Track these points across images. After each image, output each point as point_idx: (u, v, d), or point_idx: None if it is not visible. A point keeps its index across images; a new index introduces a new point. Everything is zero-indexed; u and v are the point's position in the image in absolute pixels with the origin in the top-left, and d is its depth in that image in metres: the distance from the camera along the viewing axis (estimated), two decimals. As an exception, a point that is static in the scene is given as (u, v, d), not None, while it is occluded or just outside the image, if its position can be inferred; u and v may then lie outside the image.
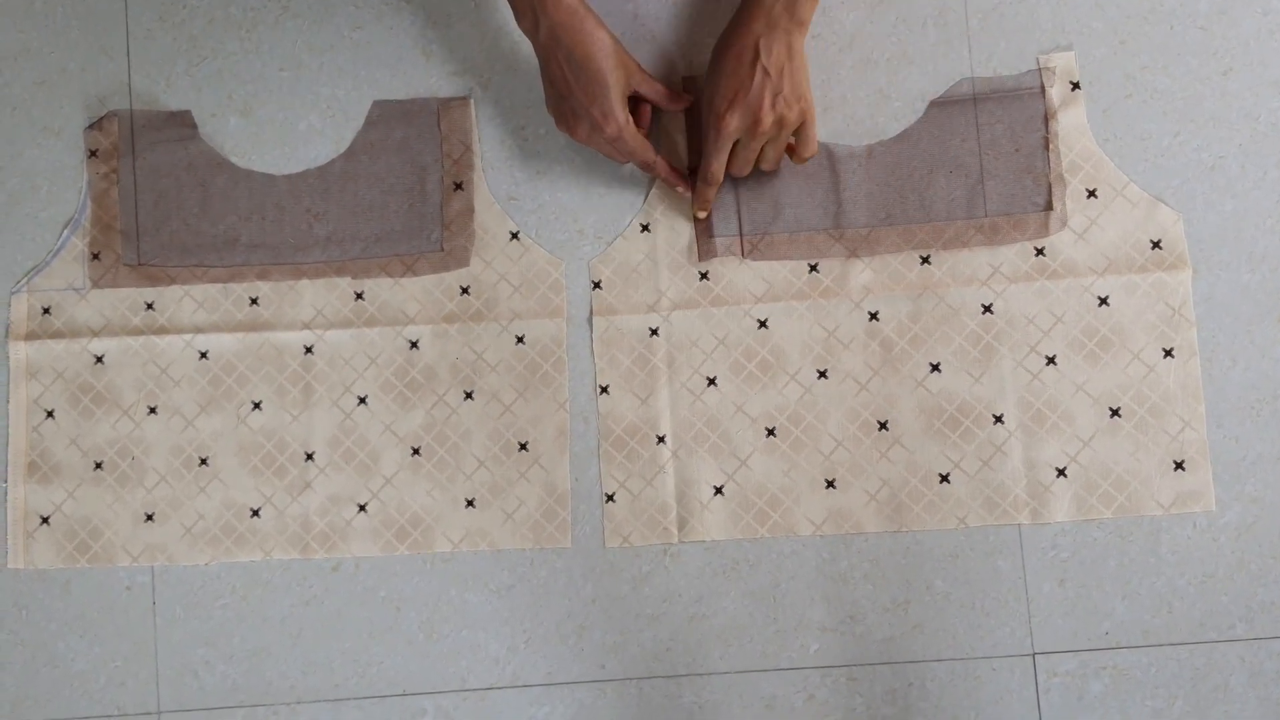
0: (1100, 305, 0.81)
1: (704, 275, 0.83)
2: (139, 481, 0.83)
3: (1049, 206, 0.82)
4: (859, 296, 0.82)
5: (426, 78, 0.87)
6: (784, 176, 0.83)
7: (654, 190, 0.84)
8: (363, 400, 0.83)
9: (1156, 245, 0.81)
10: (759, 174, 0.82)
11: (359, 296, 0.84)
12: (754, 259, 0.83)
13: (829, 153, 0.83)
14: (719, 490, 0.81)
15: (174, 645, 0.83)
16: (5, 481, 0.84)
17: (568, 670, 0.81)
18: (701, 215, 0.82)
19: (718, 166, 0.79)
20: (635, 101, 0.81)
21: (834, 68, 0.85)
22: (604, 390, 0.83)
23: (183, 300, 0.85)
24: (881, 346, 0.82)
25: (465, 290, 0.84)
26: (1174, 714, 0.79)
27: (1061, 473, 0.80)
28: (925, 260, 0.82)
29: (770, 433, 0.81)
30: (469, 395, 0.83)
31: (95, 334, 0.85)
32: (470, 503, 0.82)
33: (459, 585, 0.82)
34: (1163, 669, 0.79)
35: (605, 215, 0.85)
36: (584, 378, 0.83)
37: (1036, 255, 0.82)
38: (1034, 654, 0.79)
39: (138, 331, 0.85)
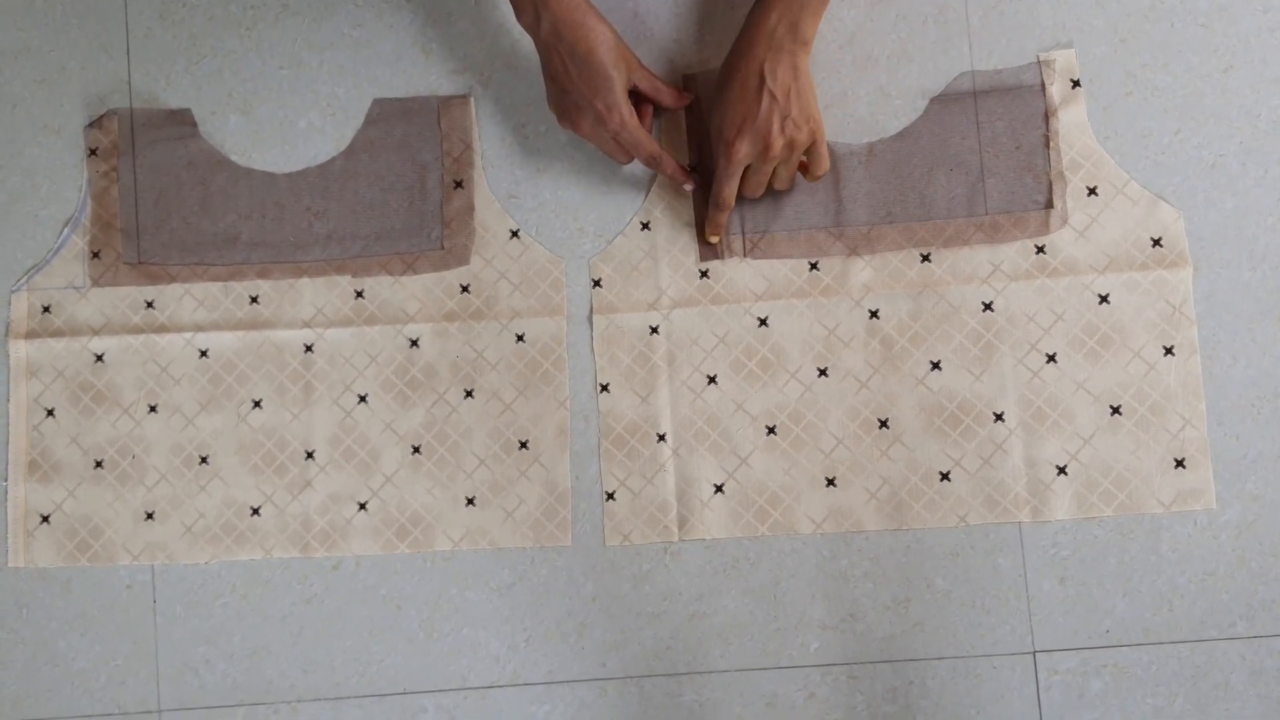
0: (1101, 303, 0.81)
1: (704, 273, 0.83)
2: (139, 480, 0.83)
3: (1049, 204, 0.82)
4: (859, 294, 0.82)
5: (427, 76, 0.87)
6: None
7: (654, 188, 0.84)
8: (363, 398, 0.83)
9: (1157, 243, 0.81)
10: (770, 190, 0.82)
11: (359, 295, 0.84)
12: (754, 257, 0.83)
13: (829, 151, 0.83)
14: (719, 488, 0.81)
15: (174, 644, 0.83)
16: (6, 480, 0.84)
17: (568, 669, 0.81)
18: (714, 241, 0.82)
19: (729, 192, 0.78)
20: (636, 100, 0.81)
21: (834, 65, 0.85)
22: (604, 388, 0.83)
23: (183, 298, 0.85)
24: (882, 344, 0.82)
25: (465, 288, 0.84)
26: (1175, 712, 0.79)
27: (1062, 471, 0.80)
28: (926, 258, 0.82)
29: (771, 431, 0.81)
30: (469, 393, 0.83)
31: (95, 332, 0.85)
32: (470, 501, 0.82)
33: (459, 584, 0.82)
34: (1163, 667, 0.79)
35: (605, 213, 0.85)
36: (584, 376, 0.83)
37: (1037, 253, 0.82)
38: (1034, 652, 0.79)
39: (138, 330, 0.85)
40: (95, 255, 0.86)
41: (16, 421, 0.84)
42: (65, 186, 0.87)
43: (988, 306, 0.81)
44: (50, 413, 0.84)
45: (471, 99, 0.86)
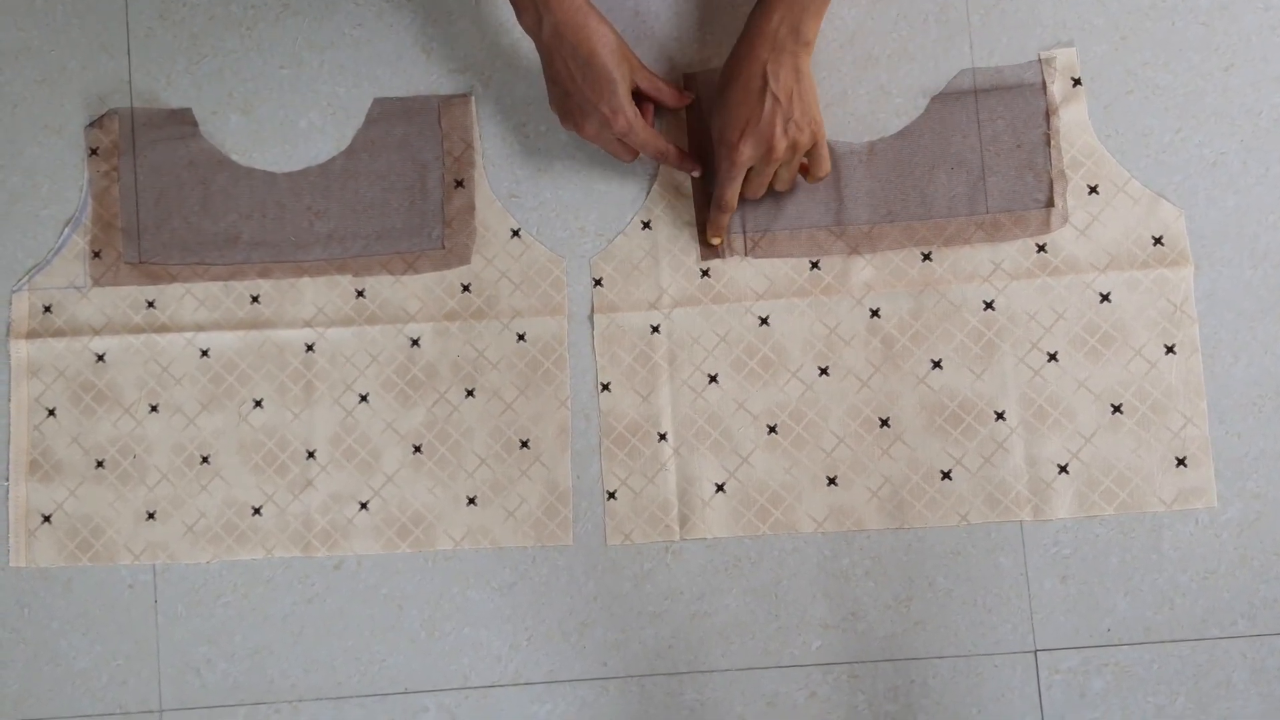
0: (1102, 302, 0.81)
1: (705, 272, 0.83)
2: (140, 480, 0.83)
3: (1050, 203, 0.82)
4: (860, 293, 0.82)
5: (427, 75, 0.87)
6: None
7: (655, 187, 0.84)
8: (364, 398, 0.83)
9: (1158, 241, 0.81)
10: (770, 190, 0.82)
11: (360, 294, 0.84)
12: (756, 256, 0.83)
13: (830, 150, 0.83)
14: (720, 487, 0.81)
15: (176, 643, 0.83)
16: (7, 480, 0.84)
17: (569, 668, 0.81)
18: (716, 242, 0.82)
19: (732, 194, 0.78)
20: (637, 99, 0.81)
21: (835, 64, 0.85)
22: (605, 388, 0.83)
23: (184, 298, 0.85)
24: (883, 343, 0.82)
25: (466, 288, 0.84)
26: (1176, 711, 0.79)
27: (1063, 469, 0.80)
28: (927, 257, 0.82)
29: (772, 430, 0.81)
30: (470, 393, 0.83)
31: (96, 332, 0.85)
32: (472, 500, 0.82)
33: (461, 583, 0.82)
34: (1165, 666, 0.79)
35: (606, 212, 0.85)
36: (585, 375, 0.83)
37: (1038, 252, 0.81)
38: (1036, 651, 0.79)
39: (139, 329, 0.85)
40: (96, 255, 0.86)
41: (18, 421, 0.84)
42: (66, 186, 0.87)
43: (989, 305, 0.81)
44: (51, 412, 0.84)
45: (472, 98, 0.86)
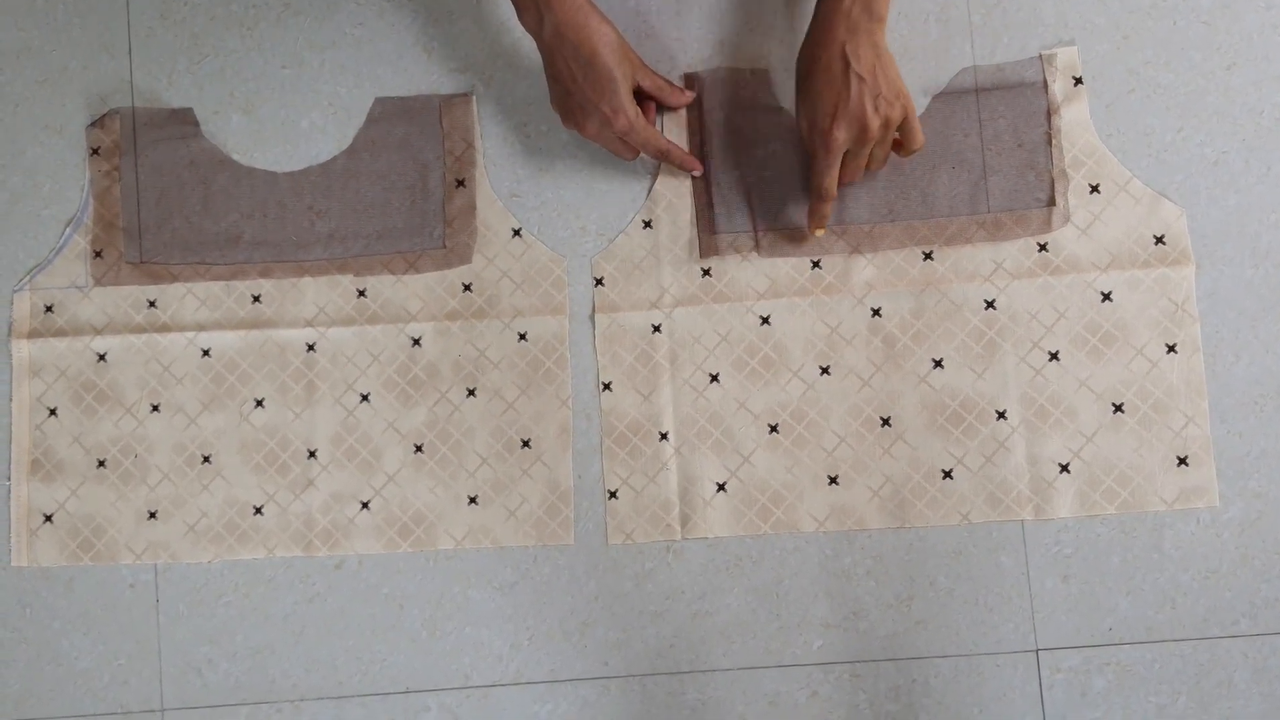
0: (1103, 301, 0.81)
1: (706, 272, 0.83)
2: (142, 479, 0.84)
3: (1052, 202, 0.82)
4: (862, 293, 0.82)
5: (428, 75, 0.87)
6: (787, 173, 0.83)
7: (656, 186, 0.84)
8: (365, 398, 0.83)
9: (1160, 241, 0.81)
10: (771, 171, 0.82)
11: (361, 294, 0.84)
12: (761, 255, 0.83)
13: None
14: (722, 487, 0.81)
15: (177, 643, 0.83)
16: (8, 479, 0.84)
17: (571, 667, 0.81)
18: (820, 234, 0.80)
19: (830, 182, 0.77)
20: (639, 99, 0.81)
21: (836, 64, 0.85)
22: (606, 387, 0.83)
23: (185, 298, 0.85)
24: (884, 343, 0.82)
25: (467, 287, 0.84)
26: (1177, 710, 0.79)
27: (1065, 469, 0.80)
28: (928, 256, 0.82)
29: (773, 429, 0.81)
30: (471, 392, 0.83)
31: (98, 332, 0.85)
32: (473, 500, 0.82)
33: (462, 582, 0.82)
34: (1166, 665, 0.79)
35: (607, 212, 0.85)
36: (586, 375, 0.83)
37: (1039, 251, 0.81)
38: (1037, 650, 0.79)
39: (140, 329, 0.85)
40: (97, 255, 0.86)
41: (19, 421, 0.84)
42: (67, 186, 0.87)
43: (990, 304, 0.81)
44: (53, 412, 0.84)
45: (473, 98, 0.86)
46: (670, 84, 0.82)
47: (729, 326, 0.83)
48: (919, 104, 0.84)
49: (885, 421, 0.81)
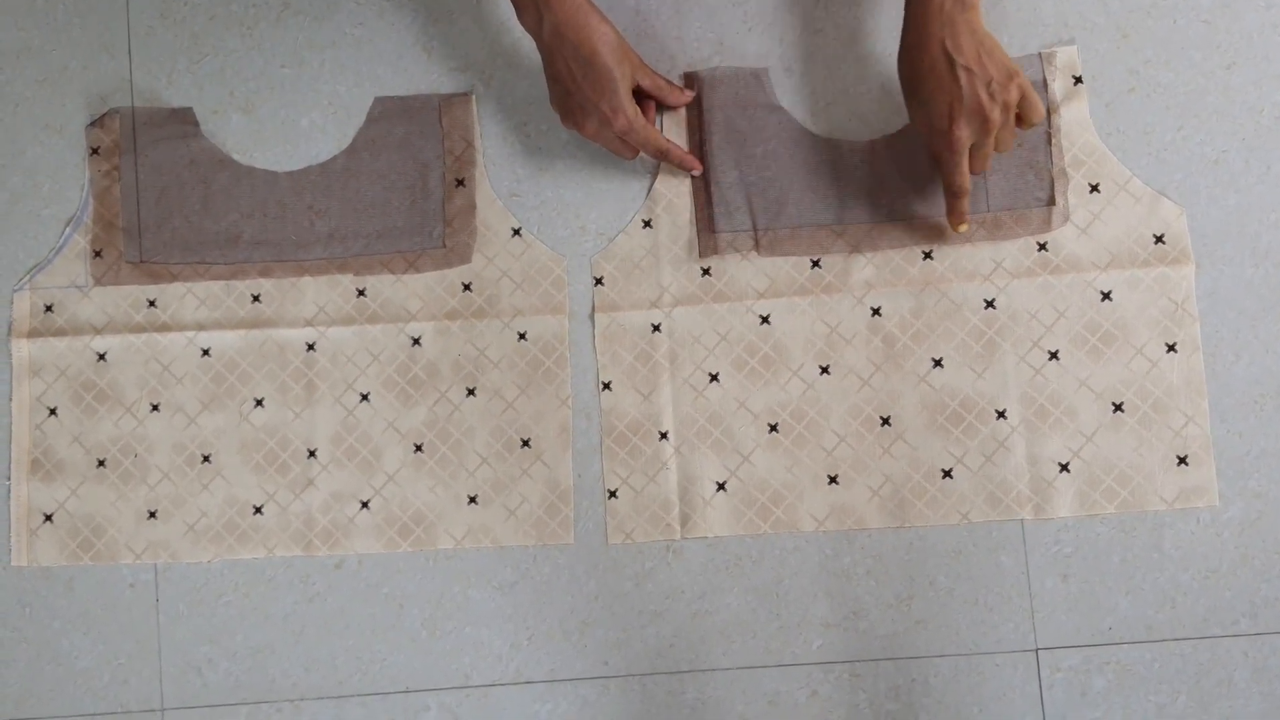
0: (1103, 300, 0.81)
1: (706, 271, 0.83)
2: (142, 479, 0.84)
3: (1051, 201, 0.81)
4: (861, 292, 0.82)
5: (428, 74, 0.87)
6: (787, 172, 0.83)
7: (656, 186, 0.84)
8: (365, 397, 0.83)
9: (1159, 240, 0.81)
10: (771, 170, 0.82)
11: (361, 293, 0.84)
12: (761, 254, 0.83)
13: (830, 148, 0.83)
14: (721, 486, 0.81)
15: (177, 642, 0.83)
16: (8, 479, 0.84)
17: (570, 667, 0.81)
18: (964, 229, 0.79)
19: (963, 178, 0.76)
20: (639, 98, 0.81)
21: (836, 62, 0.85)
22: (606, 386, 0.83)
23: (185, 297, 0.85)
24: (884, 342, 0.82)
25: (467, 287, 0.84)
26: (1177, 709, 0.79)
27: (1064, 468, 0.80)
28: (928, 255, 0.82)
29: (773, 429, 0.81)
30: (471, 392, 0.83)
31: (98, 331, 0.85)
32: (473, 499, 0.82)
33: (462, 582, 0.82)
34: (1166, 664, 0.79)
35: (607, 211, 0.85)
36: (586, 374, 0.83)
37: (1039, 250, 0.81)
38: (1037, 649, 0.79)
39: (140, 329, 0.85)
40: (97, 254, 0.86)
41: (19, 420, 0.84)
42: (67, 185, 0.87)
43: (990, 304, 0.81)
44: (53, 412, 0.84)
45: (473, 97, 0.86)
46: (670, 83, 0.82)
47: (729, 326, 0.83)
48: (919, 103, 0.84)
49: (885, 421, 0.81)
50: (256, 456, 0.83)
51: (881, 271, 0.82)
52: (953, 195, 0.78)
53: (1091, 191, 0.82)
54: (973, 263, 0.82)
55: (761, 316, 0.82)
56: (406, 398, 0.83)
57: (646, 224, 0.84)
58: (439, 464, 0.83)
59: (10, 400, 0.85)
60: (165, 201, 0.86)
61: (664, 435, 0.82)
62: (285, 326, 0.84)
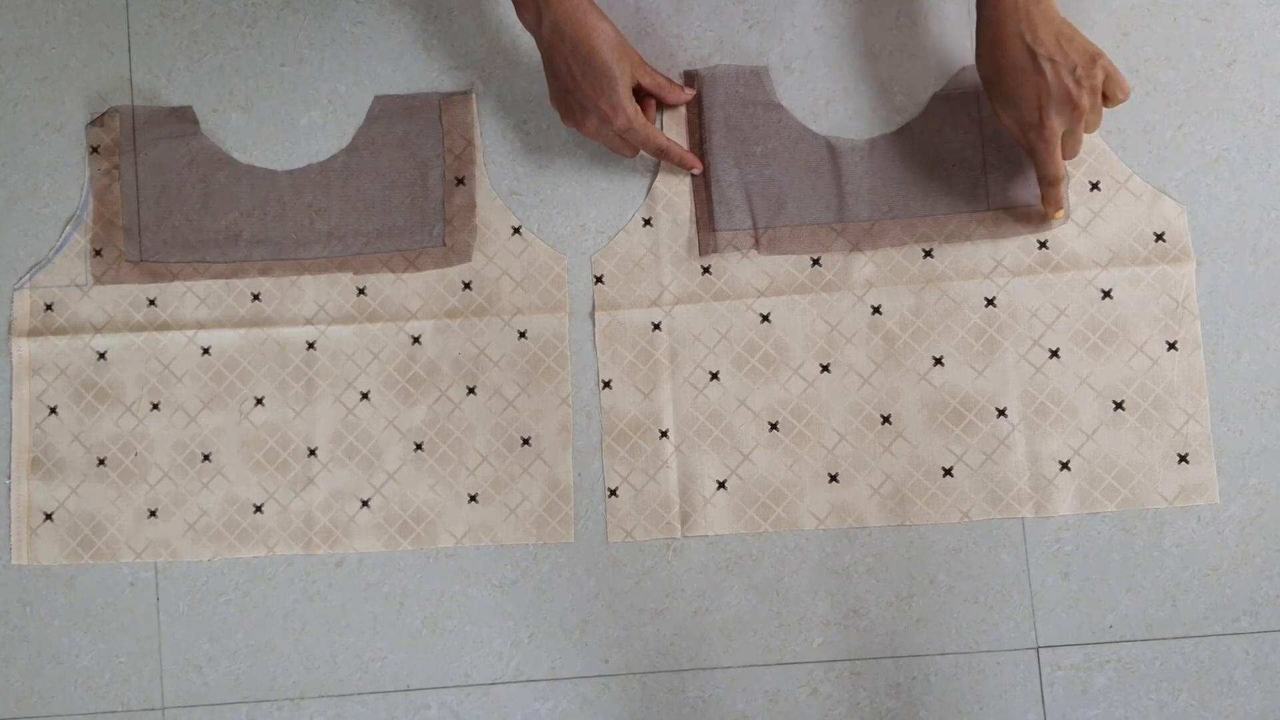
0: (1104, 298, 0.81)
1: (706, 269, 0.83)
2: (142, 478, 0.84)
3: (1052, 199, 0.81)
4: (861, 290, 0.82)
5: (428, 73, 0.87)
6: (787, 171, 0.83)
7: (656, 184, 0.84)
8: (365, 396, 0.83)
9: (1160, 238, 0.81)
10: (771, 168, 0.82)
11: (361, 292, 0.84)
12: (761, 253, 0.83)
13: (830, 147, 0.83)
14: (722, 485, 0.81)
15: (177, 641, 0.83)
16: (9, 478, 0.84)
17: (571, 665, 0.81)
18: (1060, 215, 0.79)
19: (1057, 166, 0.76)
20: (639, 96, 0.81)
21: (836, 61, 0.85)
22: (606, 385, 0.83)
23: (185, 296, 0.85)
24: (884, 340, 0.82)
25: (467, 285, 0.84)
26: (1178, 707, 0.79)
27: (1065, 466, 0.79)
28: (928, 253, 0.82)
29: (773, 427, 0.81)
30: (471, 390, 0.83)
31: (98, 330, 0.85)
32: (473, 498, 0.82)
33: (462, 580, 0.82)
34: (1167, 662, 0.79)
35: (607, 209, 0.85)
36: (586, 372, 0.83)
37: (1039, 248, 0.81)
38: (1038, 647, 0.79)
39: (140, 327, 0.85)
40: (97, 253, 0.86)
41: (19, 419, 0.84)
42: (67, 184, 0.87)
43: (990, 302, 0.81)
44: (53, 410, 0.84)
45: (473, 95, 0.86)
46: (670, 81, 0.82)
47: (729, 324, 0.82)
48: (919, 101, 0.84)
49: (885, 419, 0.81)
50: (257, 455, 0.83)
51: (882, 269, 0.82)
52: (1049, 185, 0.77)
53: (1092, 189, 0.82)
54: (973, 260, 0.82)
55: (762, 315, 0.82)
56: (407, 396, 0.83)
57: (647, 222, 0.84)
58: (439, 462, 0.83)
59: (10, 399, 0.85)
60: (165, 200, 0.86)
61: (664, 433, 0.82)
62: (285, 325, 0.84)
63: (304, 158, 0.86)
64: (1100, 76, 0.73)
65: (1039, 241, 0.81)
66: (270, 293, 0.85)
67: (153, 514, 0.83)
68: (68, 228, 0.86)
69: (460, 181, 0.85)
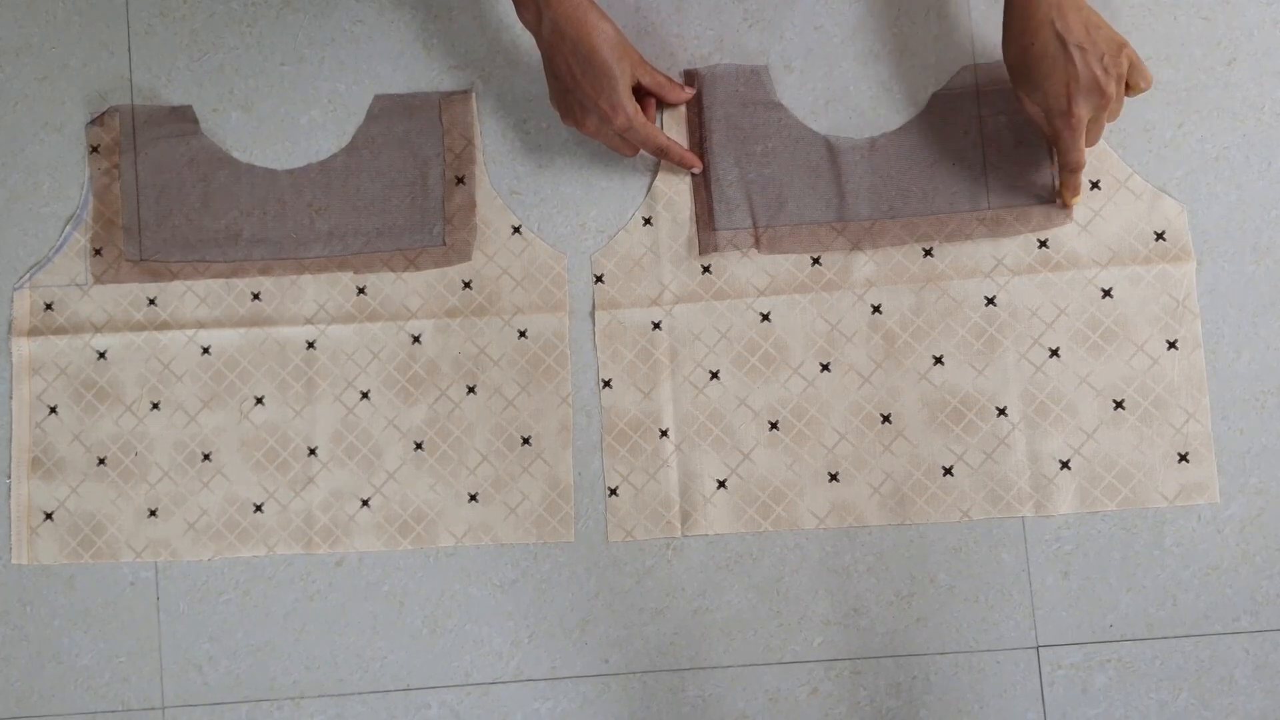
0: (1104, 297, 0.81)
1: (706, 269, 0.83)
2: (142, 477, 0.84)
3: (1052, 198, 0.81)
4: (862, 289, 0.82)
5: (428, 72, 0.87)
6: (787, 170, 0.83)
7: (656, 183, 0.84)
8: (365, 395, 0.83)
9: (1160, 237, 0.81)
10: (771, 167, 0.82)
11: (361, 291, 0.84)
12: (762, 251, 0.83)
13: (830, 146, 0.83)
14: (722, 484, 0.81)
15: (178, 640, 0.83)
16: (9, 478, 0.84)
17: (571, 665, 0.81)
18: (1076, 201, 0.80)
19: (1079, 154, 0.76)
20: (639, 95, 0.81)
21: (836, 60, 0.85)
22: (607, 384, 0.83)
23: (185, 295, 0.85)
24: (884, 339, 0.82)
25: (467, 284, 0.84)
26: (1179, 706, 0.79)
27: (1065, 465, 0.79)
28: (928, 253, 0.82)
29: (773, 426, 0.81)
30: (471, 390, 0.83)
31: (98, 329, 0.85)
32: (473, 497, 0.82)
33: (462, 580, 0.82)
34: (1167, 661, 0.79)
35: (607, 209, 0.85)
36: (586, 372, 0.83)
37: (1040, 247, 0.81)
38: (1038, 647, 0.79)
39: (140, 327, 0.85)
40: (97, 252, 0.86)
41: (19, 419, 0.84)
42: (67, 184, 0.87)
43: (990, 301, 0.81)
44: (53, 410, 0.84)
45: (473, 95, 0.86)
46: (670, 80, 0.82)
47: (729, 323, 0.82)
48: (919, 100, 0.84)
49: (885, 418, 0.81)
50: (257, 454, 0.83)
51: (882, 269, 0.82)
52: (1070, 171, 0.78)
53: (1092, 188, 0.82)
54: (973, 260, 0.82)
55: (762, 314, 0.82)
56: (407, 395, 0.83)
57: (647, 221, 0.84)
58: (439, 462, 0.83)
59: (10, 399, 0.85)
60: (165, 199, 0.86)
61: (664, 433, 0.82)
62: (285, 324, 0.84)
63: (304, 157, 0.86)
64: (1125, 65, 0.74)
65: (1039, 240, 0.81)
66: (270, 292, 0.85)
67: (153, 513, 0.83)
68: (68, 227, 0.86)
69: (460, 180, 0.85)
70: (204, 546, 0.83)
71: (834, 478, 0.81)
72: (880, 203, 0.83)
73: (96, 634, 0.83)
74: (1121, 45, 0.74)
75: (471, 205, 0.85)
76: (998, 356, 0.81)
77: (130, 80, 0.88)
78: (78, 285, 0.85)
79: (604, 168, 0.85)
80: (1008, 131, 0.82)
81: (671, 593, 0.81)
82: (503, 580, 0.82)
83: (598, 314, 0.83)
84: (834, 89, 0.84)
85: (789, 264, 0.83)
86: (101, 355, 0.85)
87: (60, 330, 0.85)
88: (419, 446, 0.83)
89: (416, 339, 0.84)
